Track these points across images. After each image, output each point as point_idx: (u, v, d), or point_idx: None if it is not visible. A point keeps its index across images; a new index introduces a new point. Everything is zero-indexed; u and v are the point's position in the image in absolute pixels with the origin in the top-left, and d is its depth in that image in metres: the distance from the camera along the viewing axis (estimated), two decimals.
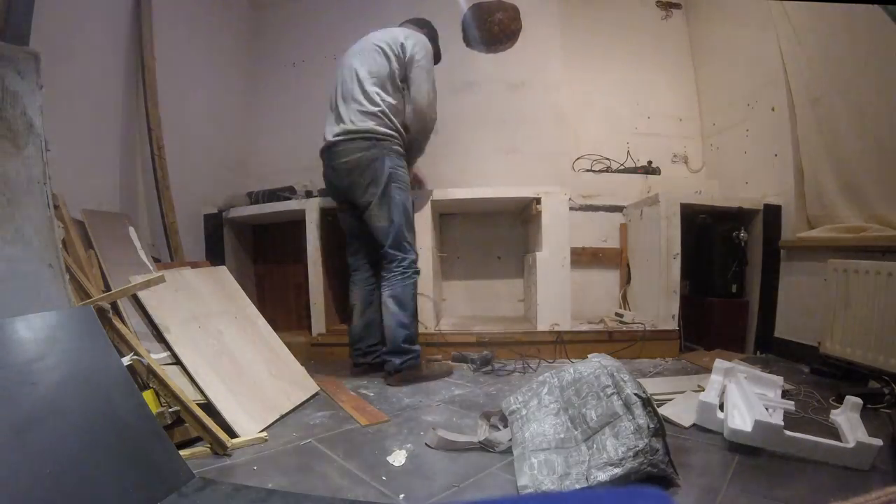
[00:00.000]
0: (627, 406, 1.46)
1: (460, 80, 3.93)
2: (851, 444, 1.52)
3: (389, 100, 2.63)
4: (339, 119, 2.66)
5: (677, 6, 4.05)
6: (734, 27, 3.51)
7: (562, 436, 1.53)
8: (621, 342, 3.04)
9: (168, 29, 2.98)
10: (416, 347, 2.68)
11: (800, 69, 2.89)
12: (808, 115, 2.85)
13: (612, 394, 1.50)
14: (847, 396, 1.79)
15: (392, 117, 2.64)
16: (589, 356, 1.74)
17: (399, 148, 2.70)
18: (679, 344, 3.07)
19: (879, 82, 2.41)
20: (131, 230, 2.47)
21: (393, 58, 2.67)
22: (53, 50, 2.01)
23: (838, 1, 2.56)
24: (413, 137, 2.76)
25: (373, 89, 2.62)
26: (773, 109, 3.12)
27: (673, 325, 3.05)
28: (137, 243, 2.44)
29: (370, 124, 2.59)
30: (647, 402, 1.46)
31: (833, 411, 1.79)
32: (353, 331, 2.85)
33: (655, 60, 4.01)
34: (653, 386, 2.23)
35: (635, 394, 1.47)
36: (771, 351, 3.07)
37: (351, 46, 2.83)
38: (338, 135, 2.63)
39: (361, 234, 2.78)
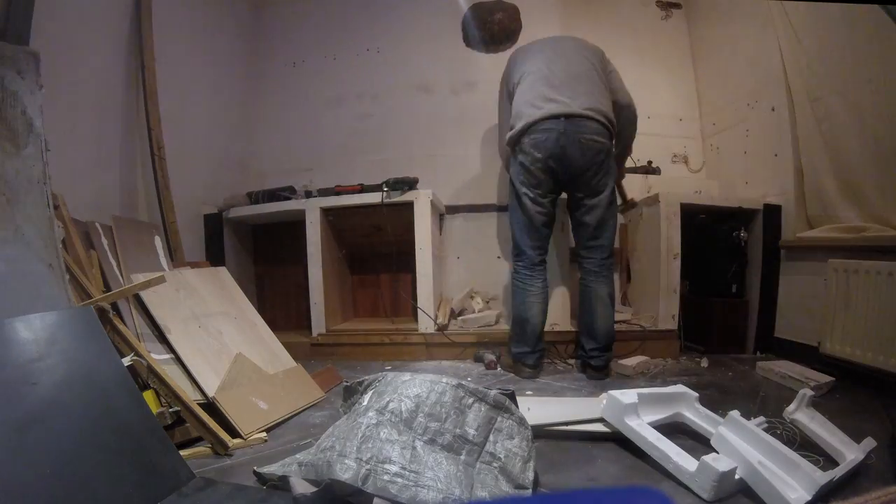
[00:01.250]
0: (499, 407, 1.49)
1: (460, 80, 3.93)
2: (852, 456, 1.47)
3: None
4: (579, 94, 2.56)
5: (677, 6, 4.04)
6: (734, 27, 3.50)
7: (454, 469, 1.31)
8: (621, 341, 3.04)
9: (168, 29, 2.98)
10: None
11: (799, 69, 2.88)
12: (807, 114, 2.85)
13: (475, 402, 1.46)
14: (801, 391, 1.70)
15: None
16: (397, 378, 1.52)
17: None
18: (680, 344, 3.07)
19: (879, 82, 2.41)
20: (157, 239, 2.55)
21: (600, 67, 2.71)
22: (53, 50, 2.01)
23: (838, 1, 2.56)
24: (626, 141, 2.89)
25: (605, 86, 2.67)
26: (772, 109, 3.12)
27: (673, 324, 3.04)
28: (161, 252, 2.51)
29: (611, 117, 2.61)
30: (513, 397, 1.54)
31: (787, 409, 1.69)
32: (535, 329, 2.73)
33: (655, 60, 4.00)
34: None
35: (502, 393, 1.51)
36: (771, 351, 3.07)
37: (549, 37, 2.84)
38: (590, 109, 2.54)
39: (552, 224, 2.78)
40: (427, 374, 1.51)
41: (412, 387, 1.44)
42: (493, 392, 1.50)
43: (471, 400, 1.46)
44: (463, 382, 1.48)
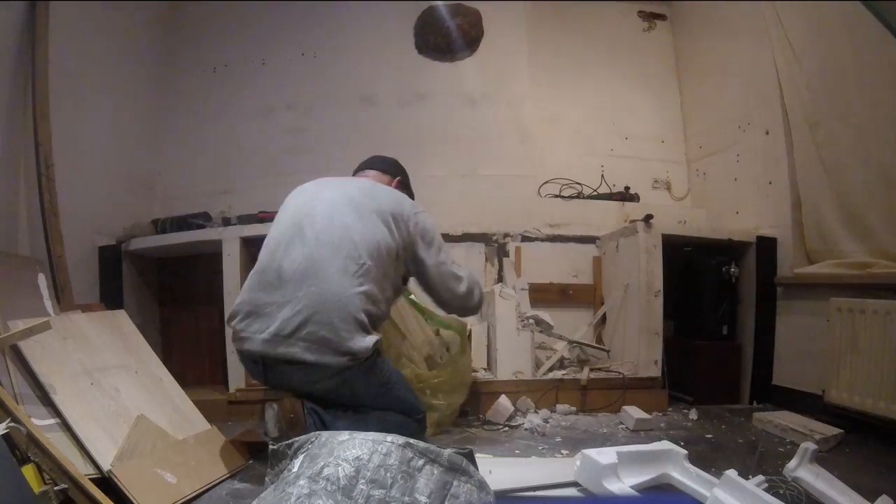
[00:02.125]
0: (455, 469, 1.46)
1: (411, 91, 3.98)
2: None
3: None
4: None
5: (661, 17, 4.20)
6: (725, 42, 3.67)
7: None
8: (598, 390, 3.07)
9: (65, 26, 2.94)
10: None
11: (797, 90, 3.03)
12: (806, 139, 2.97)
13: (426, 464, 1.43)
14: (803, 445, 1.75)
15: None
16: (333, 438, 1.49)
17: None
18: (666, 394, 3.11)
19: (885, 106, 2.54)
20: (41, 277, 2.46)
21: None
22: None
23: None
24: None
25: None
26: (766, 133, 3.27)
27: (656, 371, 3.09)
28: (45, 293, 2.43)
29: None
30: (471, 457, 1.52)
31: (788, 465, 1.75)
32: None
33: (635, 76, 4.15)
34: None
35: (457, 453, 1.48)
36: (769, 400, 3.15)
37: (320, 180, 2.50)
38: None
39: None
40: (369, 433, 1.49)
41: (351, 448, 1.42)
42: (447, 451, 1.47)
43: (421, 462, 1.44)
44: (412, 441, 1.46)
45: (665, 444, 1.93)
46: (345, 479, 1.34)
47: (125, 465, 1.86)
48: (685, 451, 1.89)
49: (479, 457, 1.66)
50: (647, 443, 2.08)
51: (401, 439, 1.45)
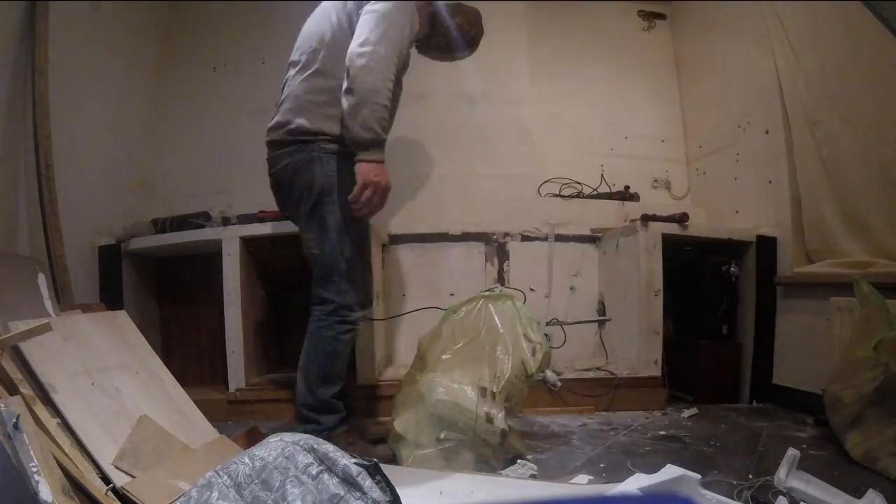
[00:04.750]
0: (349, 482, 1.33)
1: (410, 91, 3.94)
2: None
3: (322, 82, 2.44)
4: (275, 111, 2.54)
5: (661, 16, 4.21)
6: (725, 41, 3.68)
7: None
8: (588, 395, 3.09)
9: (65, 23, 2.93)
10: (324, 419, 2.41)
11: (797, 89, 3.04)
12: (806, 138, 2.99)
13: (321, 472, 1.34)
14: (789, 449, 1.73)
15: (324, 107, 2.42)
16: (268, 437, 1.49)
17: (334, 146, 2.41)
18: (667, 393, 3.12)
19: (884, 105, 2.56)
20: (41, 277, 2.44)
21: (342, 19, 2.45)
22: None
23: None
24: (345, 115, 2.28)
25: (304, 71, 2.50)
26: (766, 132, 3.28)
27: (655, 370, 3.11)
28: (45, 293, 2.40)
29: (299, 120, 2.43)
30: (376, 470, 1.37)
31: (777, 475, 1.71)
32: None
33: (635, 75, 4.16)
34: None
35: (356, 464, 1.36)
36: (769, 400, 3.16)
37: None
38: (268, 133, 2.59)
39: None
40: (297, 434, 1.46)
41: (266, 447, 1.41)
42: (343, 461, 1.36)
43: (316, 469, 1.36)
44: (316, 445, 1.40)
45: (675, 470, 1.76)
46: (243, 476, 1.34)
47: (126, 464, 1.86)
48: (699, 476, 1.81)
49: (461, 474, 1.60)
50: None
51: (309, 443, 1.40)
